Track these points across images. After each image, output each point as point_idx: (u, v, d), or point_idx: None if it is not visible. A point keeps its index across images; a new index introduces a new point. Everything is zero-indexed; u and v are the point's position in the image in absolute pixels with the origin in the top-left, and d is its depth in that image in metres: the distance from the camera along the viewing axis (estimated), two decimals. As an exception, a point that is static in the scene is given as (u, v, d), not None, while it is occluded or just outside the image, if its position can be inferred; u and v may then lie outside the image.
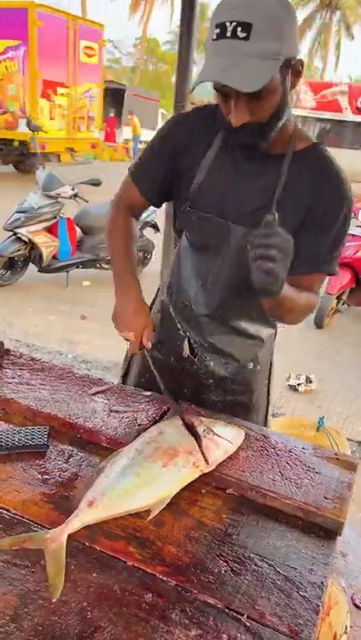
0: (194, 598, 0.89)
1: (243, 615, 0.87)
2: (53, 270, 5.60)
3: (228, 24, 1.06)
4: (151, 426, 1.26)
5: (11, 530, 0.98)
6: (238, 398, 1.56)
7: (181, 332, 1.52)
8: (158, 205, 1.53)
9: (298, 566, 0.97)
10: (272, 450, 1.26)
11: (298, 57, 1.17)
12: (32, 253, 5.49)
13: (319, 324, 5.23)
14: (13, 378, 1.45)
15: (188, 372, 1.54)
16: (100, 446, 1.24)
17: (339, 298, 5.33)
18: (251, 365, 1.54)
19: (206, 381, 1.54)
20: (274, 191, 1.29)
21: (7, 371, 1.49)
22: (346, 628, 1.62)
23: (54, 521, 1.01)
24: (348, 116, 22.32)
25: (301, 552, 1.01)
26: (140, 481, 1.04)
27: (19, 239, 5.33)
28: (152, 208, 1.58)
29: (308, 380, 4.11)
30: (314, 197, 1.28)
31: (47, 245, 5.40)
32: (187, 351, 1.52)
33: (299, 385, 4.07)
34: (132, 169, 1.49)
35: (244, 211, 1.32)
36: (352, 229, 5.39)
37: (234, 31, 1.06)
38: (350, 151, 21.66)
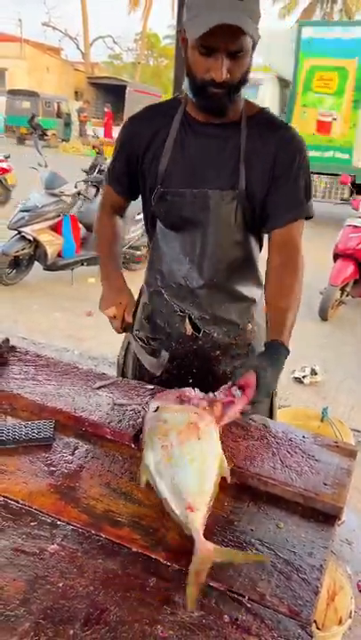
0: (196, 581, 0.92)
1: (244, 597, 0.90)
2: (58, 268, 5.63)
3: None
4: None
5: (19, 519, 1.01)
6: (244, 362, 1.59)
7: (179, 312, 1.57)
8: (135, 198, 1.64)
9: (298, 550, 1.00)
10: (272, 439, 1.29)
11: None
12: (37, 252, 5.51)
13: (323, 315, 5.24)
14: (19, 374, 1.48)
15: (193, 351, 1.59)
16: (104, 439, 1.27)
17: (343, 289, 5.34)
18: (250, 326, 1.62)
19: (213, 353, 1.59)
20: (239, 152, 1.41)
21: (13, 367, 1.52)
22: (351, 613, 1.65)
23: (60, 510, 1.04)
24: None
25: (301, 536, 1.04)
26: (198, 462, 1.05)
27: (23, 238, 5.35)
28: None
29: (314, 372, 4.13)
30: (277, 149, 1.41)
31: (52, 243, 5.43)
32: (190, 329, 1.57)
33: (304, 377, 4.09)
34: (106, 176, 1.65)
35: (218, 176, 1.43)
36: (354, 220, 5.40)
37: None
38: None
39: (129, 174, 1.56)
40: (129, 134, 1.53)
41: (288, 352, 1.28)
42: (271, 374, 1.20)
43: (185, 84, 1.39)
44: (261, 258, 1.58)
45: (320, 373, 4.15)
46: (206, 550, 0.93)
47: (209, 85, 1.29)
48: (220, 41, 1.22)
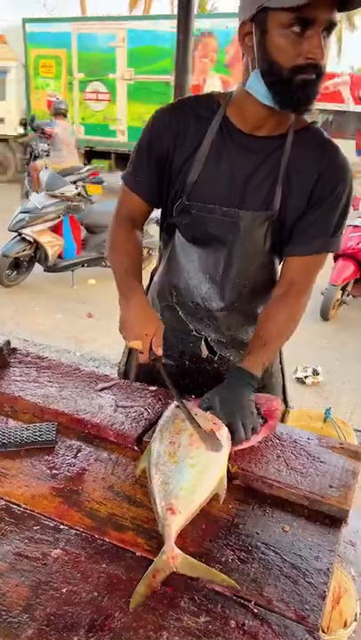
0: (202, 587, 0.90)
1: (250, 602, 0.88)
2: (59, 269, 5.63)
3: None
4: (155, 418, 1.27)
5: (21, 523, 1.00)
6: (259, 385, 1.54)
7: (195, 332, 1.49)
8: (160, 206, 1.46)
9: (304, 554, 0.99)
10: (277, 441, 1.27)
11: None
12: (37, 253, 5.52)
13: (325, 315, 5.23)
14: (21, 376, 1.47)
15: (207, 373, 1.52)
16: (107, 441, 1.26)
17: (343, 289, 5.33)
18: None
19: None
20: (279, 170, 1.28)
21: (14, 369, 1.51)
22: (356, 616, 1.63)
23: (63, 514, 1.03)
24: (351, 106, 22.19)
25: (308, 540, 1.02)
26: (198, 470, 1.04)
27: (24, 239, 5.36)
28: None
29: (315, 373, 4.12)
30: (320, 174, 1.29)
31: (52, 245, 5.43)
32: (205, 352, 1.50)
33: (306, 377, 4.08)
34: (125, 178, 1.43)
35: (252, 195, 1.31)
36: (354, 220, 5.39)
37: None
38: (353, 142, 21.54)
39: (158, 176, 1.36)
40: (159, 128, 1.34)
41: (254, 379, 1.24)
42: (228, 404, 1.17)
43: (253, 83, 1.20)
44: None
45: (322, 374, 4.14)
46: (172, 557, 0.91)
47: (300, 72, 1.11)
48: (320, 11, 1.05)
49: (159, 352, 1.28)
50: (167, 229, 1.47)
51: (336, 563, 1.78)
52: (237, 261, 1.37)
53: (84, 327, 4.83)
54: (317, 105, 22.60)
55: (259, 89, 1.20)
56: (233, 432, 1.14)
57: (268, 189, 1.30)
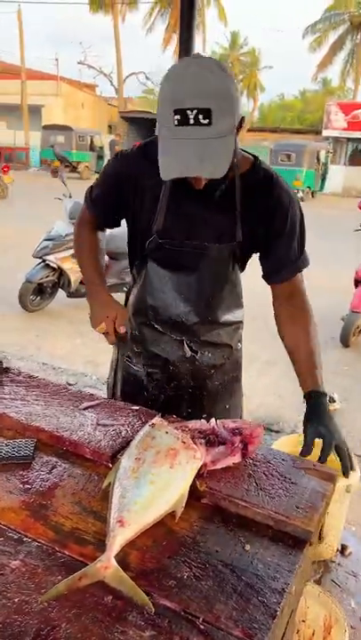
0: (153, 602, 0.91)
1: (198, 618, 0.89)
2: (81, 295, 5.74)
3: (189, 112, 1.17)
4: (133, 436, 1.29)
5: (-15, 534, 1.03)
6: (232, 375, 1.75)
7: (176, 338, 1.60)
8: (115, 227, 1.72)
9: (261, 573, 0.98)
10: (250, 460, 1.27)
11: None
12: (61, 279, 5.67)
13: (345, 342, 5.17)
14: (9, 394, 1.52)
15: (190, 372, 1.64)
16: (83, 458, 1.29)
17: (364, 316, 5.26)
18: (239, 346, 1.74)
19: (208, 372, 1.66)
20: (234, 211, 1.44)
21: (5, 387, 1.56)
22: (345, 647, 1.59)
23: (28, 527, 1.05)
24: (381, 134, 22.26)
25: (267, 560, 1.02)
26: (157, 487, 1.07)
27: (47, 266, 5.52)
28: None
29: (332, 400, 4.05)
30: (271, 209, 1.47)
31: (75, 271, 5.55)
32: (188, 352, 1.61)
33: (322, 404, 4.01)
34: (88, 197, 1.65)
35: (216, 232, 1.47)
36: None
37: (196, 118, 1.17)
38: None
39: (117, 209, 1.60)
40: (121, 172, 1.54)
41: (326, 396, 1.47)
42: (331, 430, 1.40)
43: None
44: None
45: (338, 401, 4.07)
46: (105, 566, 0.93)
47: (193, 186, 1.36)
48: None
49: (122, 330, 1.53)
50: (139, 256, 1.59)
51: (328, 592, 1.74)
52: (208, 284, 1.53)
53: (102, 351, 4.88)
54: (346, 134, 22.70)
55: None
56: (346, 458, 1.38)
57: (228, 226, 1.47)
